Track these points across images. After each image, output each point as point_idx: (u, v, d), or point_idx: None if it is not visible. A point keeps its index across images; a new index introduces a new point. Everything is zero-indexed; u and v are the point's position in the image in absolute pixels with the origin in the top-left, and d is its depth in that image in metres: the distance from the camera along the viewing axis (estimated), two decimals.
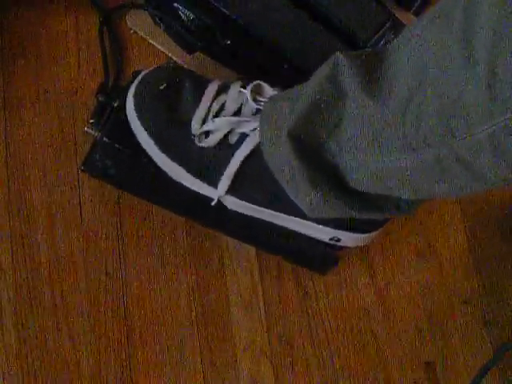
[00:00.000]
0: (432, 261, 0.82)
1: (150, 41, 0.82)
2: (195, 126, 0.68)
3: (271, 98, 0.67)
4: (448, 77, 0.48)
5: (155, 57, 0.82)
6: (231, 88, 0.69)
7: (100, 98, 0.76)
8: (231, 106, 0.68)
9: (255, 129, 0.67)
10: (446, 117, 0.49)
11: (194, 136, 0.68)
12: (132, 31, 0.82)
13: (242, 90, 0.69)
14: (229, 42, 0.78)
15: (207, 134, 0.68)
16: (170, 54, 0.82)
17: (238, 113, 0.68)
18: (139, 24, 0.82)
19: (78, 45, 0.80)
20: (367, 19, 0.81)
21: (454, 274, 0.83)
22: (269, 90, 0.68)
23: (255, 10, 0.76)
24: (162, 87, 0.69)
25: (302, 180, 0.63)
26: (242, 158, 0.67)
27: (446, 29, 0.49)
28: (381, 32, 0.81)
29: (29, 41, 0.79)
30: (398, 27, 0.82)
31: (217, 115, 0.68)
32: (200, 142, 0.68)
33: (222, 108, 0.68)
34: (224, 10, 0.75)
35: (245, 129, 0.67)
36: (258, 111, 0.68)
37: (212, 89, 0.69)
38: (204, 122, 0.68)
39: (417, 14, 0.86)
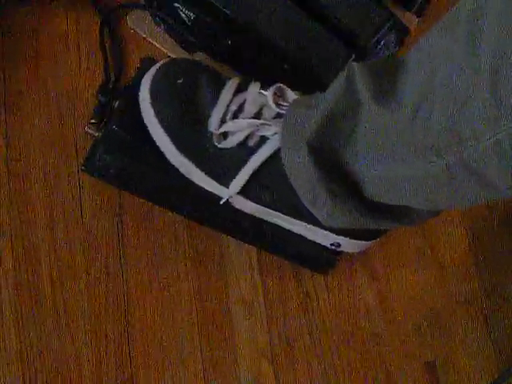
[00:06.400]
0: (432, 261, 0.82)
1: (150, 40, 0.82)
2: (213, 126, 0.67)
3: (293, 104, 0.66)
4: (454, 83, 0.48)
5: (155, 57, 0.81)
6: (250, 88, 0.68)
7: (100, 98, 0.76)
8: (251, 108, 0.67)
9: (276, 133, 0.66)
10: (453, 124, 0.49)
11: (211, 134, 0.67)
12: (132, 31, 0.82)
13: (262, 91, 0.68)
14: (229, 42, 0.78)
15: (225, 133, 0.67)
16: (170, 54, 0.81)
17: (257, 114, 0.67)
18: (139, 24, 0.82)
19: (78, 45, 0.80)
20: (367, 19, 0.81)
21: (454, 273, 0.83)
22: (291, 94, 0.67)
23: (256, 9, 0.76)
24: (179, 81, 0.68)
25: (319, 189, 0.63)
26: (259, 162, 0.66)
27: (452, 36, 0.49)
28: (381, 32, 0.81)
29: (29, 41, 0.79)
30: (398, 27, 0.82)
31: (235, 115, 0.67)
32: (219, 142, 0.67)
33: (240, 108, 0.68)
34: (225, 10, 0.75)
35: (266, 132, 0.66)
36: (278, 115, 0.66)
37: (230, 87, 0.68)
38: (222, 121, 0.67)
39: (417, 14, 0.86)
